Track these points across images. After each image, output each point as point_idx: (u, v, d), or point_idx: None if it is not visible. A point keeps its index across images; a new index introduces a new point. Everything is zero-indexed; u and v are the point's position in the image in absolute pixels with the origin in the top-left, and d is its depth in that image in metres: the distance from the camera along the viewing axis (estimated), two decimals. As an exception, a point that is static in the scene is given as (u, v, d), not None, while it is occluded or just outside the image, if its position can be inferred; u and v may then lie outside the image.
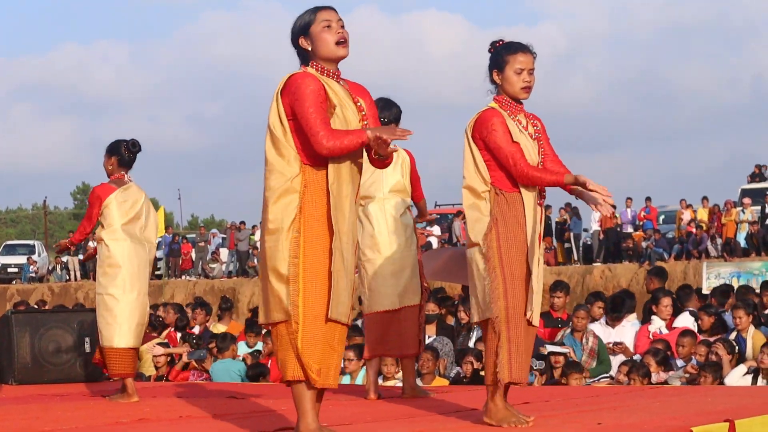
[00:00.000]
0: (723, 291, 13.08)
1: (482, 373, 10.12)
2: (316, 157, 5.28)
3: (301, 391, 5.30)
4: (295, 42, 5.47)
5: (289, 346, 5.25)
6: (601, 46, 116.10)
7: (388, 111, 7.78)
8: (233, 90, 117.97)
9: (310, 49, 5.43)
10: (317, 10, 5.43)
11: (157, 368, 12.21)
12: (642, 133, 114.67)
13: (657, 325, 11.28)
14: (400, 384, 8.37)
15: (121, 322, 8.15)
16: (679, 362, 10.26)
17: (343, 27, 5.42)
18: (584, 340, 10.66)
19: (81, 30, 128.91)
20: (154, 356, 12.16)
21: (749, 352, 10.24)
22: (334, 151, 5.21)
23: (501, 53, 5.95)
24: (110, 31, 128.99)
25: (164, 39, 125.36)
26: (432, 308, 12.13)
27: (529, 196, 5.87)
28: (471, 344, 11.51)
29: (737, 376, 9.46)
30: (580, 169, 6.11)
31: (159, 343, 12.69)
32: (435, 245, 32.45)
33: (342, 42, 5.40)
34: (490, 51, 6.02)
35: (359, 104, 5.46)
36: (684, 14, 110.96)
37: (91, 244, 9.49)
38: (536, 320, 5.90)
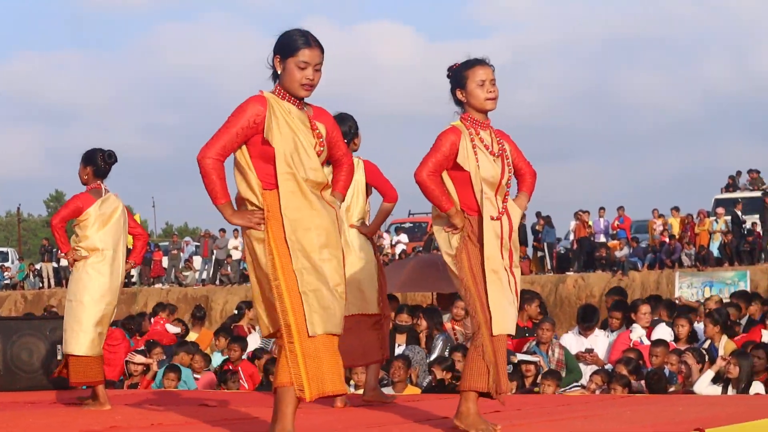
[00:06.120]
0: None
1: (449, 382, 10.20)
2: (271, 181, 5.40)
3: (286, 394, 5.39)
4: (271, 56, 5.52)
5: (288, 353, 5.34)
6: (552, 59, 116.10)
7: (342, 125, 7.77)
8: (192, 99, 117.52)
9: (279, 73, 5.49)
10: (306, 45, 5.45)
11: (132, 375, 12.16)
12: (596, 145, 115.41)
13: (638, 333, 11.25)
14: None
15: (86, 330, 8.20)
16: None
17: (317, 70, 5.46)
18: (550, 352, 10.68)
19: (39, 39, 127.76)
20: (132, 363, 12.10)
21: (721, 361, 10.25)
22: (199, 162, 5.39)
23: (460, 71, 5.99)
24: (68, 40, 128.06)
25: (121, 49, 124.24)
26: (405, 319, 12.15)
27: (486, 212, 5.87)
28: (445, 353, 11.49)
29: (706, 382, 9.49)
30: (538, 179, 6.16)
31: (137, 351, 12.65)
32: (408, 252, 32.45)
33: (307, 86, 5.47)
34: (448, 76, 6.05)
35: (317, 131, 5.54)
36: (632, 28, 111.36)
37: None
38: (501, 328, 5.89)
